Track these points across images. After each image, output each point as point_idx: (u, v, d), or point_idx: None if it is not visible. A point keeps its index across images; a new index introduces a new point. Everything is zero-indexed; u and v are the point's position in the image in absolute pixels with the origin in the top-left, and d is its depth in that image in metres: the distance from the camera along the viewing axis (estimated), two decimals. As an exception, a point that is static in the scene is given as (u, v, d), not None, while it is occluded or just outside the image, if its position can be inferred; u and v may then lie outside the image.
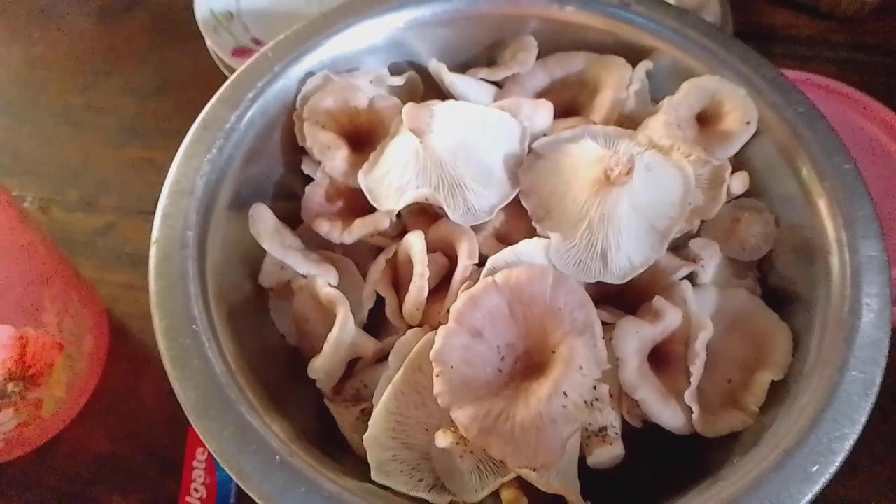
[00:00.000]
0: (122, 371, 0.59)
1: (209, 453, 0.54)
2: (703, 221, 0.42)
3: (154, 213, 0.65)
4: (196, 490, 0.53)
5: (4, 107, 0.72)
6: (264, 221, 0.38)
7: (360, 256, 0.42)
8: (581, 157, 0.37)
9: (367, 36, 0.46)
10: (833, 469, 0.32)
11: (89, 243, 0.65)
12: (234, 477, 0.31)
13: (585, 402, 0.33)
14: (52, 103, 0.72)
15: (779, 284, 0.42)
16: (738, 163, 0.43)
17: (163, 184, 0.67)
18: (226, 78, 0.64)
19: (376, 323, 0.41)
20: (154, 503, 0.54)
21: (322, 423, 0.38)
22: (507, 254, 0.36)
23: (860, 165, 0.55)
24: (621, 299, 0.40)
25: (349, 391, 0.38)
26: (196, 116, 0.72)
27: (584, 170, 0.36)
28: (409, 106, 0.36)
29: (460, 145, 0.38)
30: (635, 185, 0.36)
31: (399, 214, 0.42)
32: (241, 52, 0.62)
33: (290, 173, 0.45)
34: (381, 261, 0.39)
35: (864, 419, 0.33)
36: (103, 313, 0.60)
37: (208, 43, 0.64)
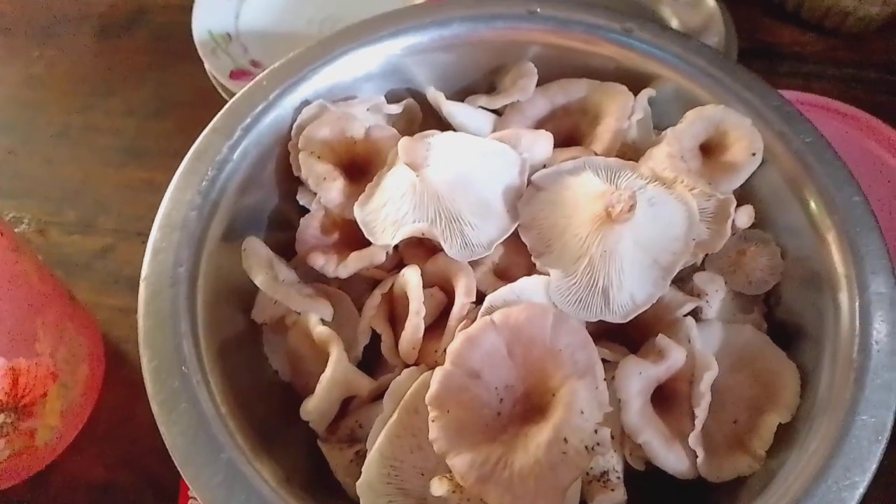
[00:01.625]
0: (118, 397, 0.58)
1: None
2: (705, 255, 0.40)
3: (153, 235, 0.65)
4: (192, 517, 0.52)
5: (3, 127, 0.71)
6: (257, 255, 0.38)
7: (356, 289, 0.41)
8: (582, 190, 0.36)
9: (365, 63, 0.45)
10: (843, 519, 0.31)
11: (87, 266, 0.64)
12: (222, 527, 0.30)
13: (587, 447, 0.32)
14: (51, 123, 0.72)
15: (786, 319, 0.40)
16: (744, 193, 0.42)
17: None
18: (224, 100, 0.63)
19: (372, 358, 0.40)
20: (150, 532, 0.53)
21: (314, 463, 0.37)
22: (505, 292, 0.35)
23: (864, 186, 0.55)
24: (623, 335, 0.39)
25: (344, 431, 0.37)
26: (195, 135, 0.72)
27: (585, 204, 0.35)
28: (405, 140, 0.35)
29: (458, 178, 0.37)
30: (638, 220, 0.35)
31: (396, 247, 0.41)
32: (238, 73, 0.61)
33: (285, 203, 0.44)
34: (377, 295, 0.38)
35: (875, 466, 0.32)
36: (99, 339, 0.59)
37: (206, 65, 0.63)
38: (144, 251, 0.64)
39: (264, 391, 0.39)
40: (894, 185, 0.55)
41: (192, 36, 0.70)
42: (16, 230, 0.64)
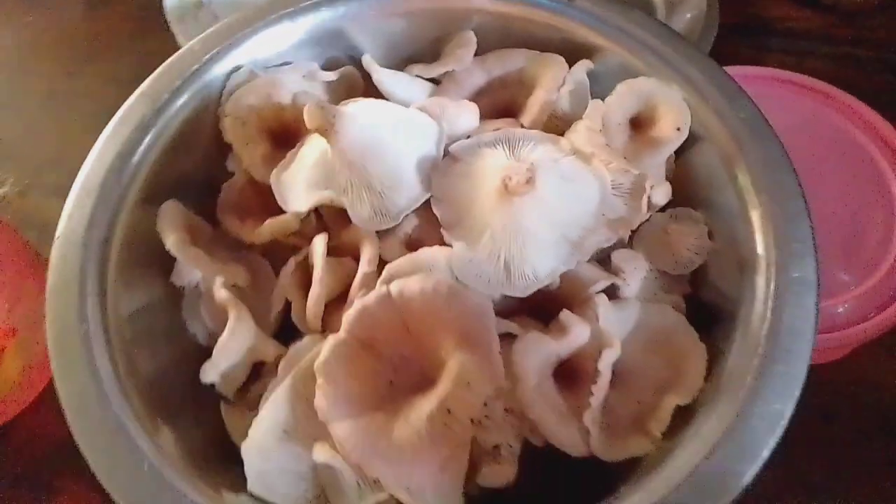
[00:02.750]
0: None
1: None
2: (633, 231, 0.39)
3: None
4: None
5: (-8, 91, 0.73)
6: (172, 218, 0.38)
7: (281, 257, 0.41)
8: (491, 162, 0.35)
9: (303, 28, 0.44)
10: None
11: (61, 230, 0.65)
12: (101, 481, 0.31)
13: (472, 420, 0.32)
14: (36, 89, 0.73)
15: (710, 300, 0.39)
16: (682, 171, 0.41)
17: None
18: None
19: (288, 329, 0.40)
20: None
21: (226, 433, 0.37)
22: (405, 262, 0.34)
23: (837, 166, 0.53)
24: (541, 311, 0.38)
25: (253, 396, 0.38)
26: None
27: (491, 177, 0.35)
28: (310, 105, 0.34)
29: (370, 146, 0.36)
30: (544, 194, 0.34)
31: (321, 215, 0.41)
32: (205, 41, 0.61)
33: (216, 169, 0.44)
34: (291, 263, 0.38)
35: (766, 455, 0.31)
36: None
37: (175, 33, 0.64)
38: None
39: (181, 356, 0.39)
40: (868, 166, 0.53)
41: (172, 6, 0.70)
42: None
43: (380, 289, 0.34)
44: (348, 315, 0.33)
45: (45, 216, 0.66)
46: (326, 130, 0.35)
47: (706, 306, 0.39)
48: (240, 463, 0.35)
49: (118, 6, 0.79)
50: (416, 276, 0.34)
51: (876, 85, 0.67)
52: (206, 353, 0.41)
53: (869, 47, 0.70)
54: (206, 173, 0.44)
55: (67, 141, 0.70)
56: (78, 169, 0.67)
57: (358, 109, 0.36)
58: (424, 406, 0.32)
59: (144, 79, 0.73)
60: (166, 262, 0.41)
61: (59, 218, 0.63)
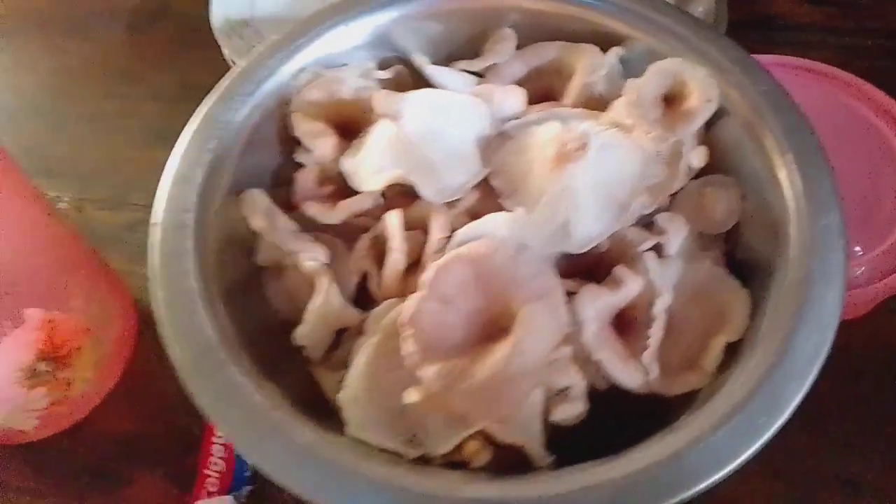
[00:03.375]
0: (149, 357, 0.63)
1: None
2: (673, 197, 0.44)
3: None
4: (214, 464, 0.57)
5: (38, 114, 0.78)
6: (256, 204, 0.42)
7: (350, 239, 0.45)
8: (543, 136, 0.40)
9: (356, 33, 0.49)
10: (778, 423, 0.33)
11: (118, 238, 0.69)
12: (221, 431, 0.35)
13: (545, 362, 0.36)
14: (83, 109, 0.78)
15: (745, 257, 0.43)
16: (708, 143, 0.45)
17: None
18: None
19: (364, 301, 0.44)
20: (176, 476, 0.58)
21: (316, 393, 0.41)
22: (472, 227, 0.39)
23: (848, 145, 0.57)
24: (593, 274, 0.42)
25: (336, 361, 0.41)
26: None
27: (544, 148, 0.39)
28: (380, 93, 0.39)
29: (431, 129, 0.41)
30: (593, 160, 0.38)
31: (385, 197, 0.45)
32: (252, 55, 0.66)
33: (286, 163, 0.48)
34: (366, 238, 0.42)
35: (811, 379, 0.34)
36: (130, 302, 0.64)
37: (224, 50, 0.68)
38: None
39: (268, 328, 0.43)
40: (878, 143, 0.57)
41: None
42: (57, 207, 0.70)
43: (452, 251, 0.38)
44: (426, 275, 0.37)
45: (99, 228, 0.70)
46: (393, 116, 0.39)
47: (741, 265, 0.43)
48: (335, 414, 0.39)
49: (157, 31, 0.83)
50: (484, 238, 0.38)
51: (881, 70, 0.71)
52: (284, 326, 0.45)
53: (871, 36, 0.74)
54: (277, 166, 0.48)
55: (114, 157, 0.75)
56: (128, 181, 0.72)
57: (419, 97, 0.41)
58: (502, 350, 0.35)
59: (185, 96, 0.77)
60: (251, 246, 0.45)
61: (117, 227, 0.68)
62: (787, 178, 0.41)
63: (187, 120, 0.75)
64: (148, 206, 0.69)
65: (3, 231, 0.47)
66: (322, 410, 0.39)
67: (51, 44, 0.83)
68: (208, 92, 0.77)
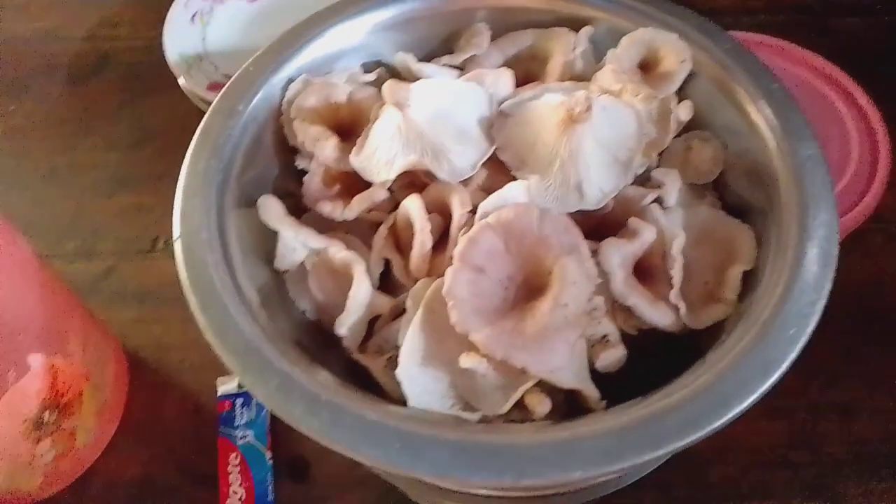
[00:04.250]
0: (144, 398, 0.62)
1: (241, 457, 0.57)
2: (660, 156, 0.47)
3: (151, 250, 0.69)
4: (235, 492, 0.56)
5: (-6, 179, 0.75)
6: (272, 208, 0.42)
7: (361, 235, 0.46)
8: (544, 108, 0.42)
9: (336, 42, 0.51)
10: (809, 330, 0.36)
11: (93, 288, 0.68)
12: (286, 420, 0.35)
13: (584, 311, 0.37)
14: (37, 168, 0.76)
15: (735, 200, 0.47)
16: (682, 101, 0.49)
17: (155, 224, 0.72)
18: (203, 115, 0.68)
19: (385, 289, 0.45)
20: (194, 514, 0.57)
21: (355, 381, 0.41)
22: (494, 198, 0.40)
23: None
24: (602, 234, 0.44)
25: (372, 348, 0.42)
26: (178, 159, 0.76)
27: (549, 117, 0.41)
28: (390, 83, 0.40)
29: (437, 114, 0.42)
30: (595, 123, 0.41)
31: (391, 191, 0.46)
32: (215, 86, 0.67)
33: (284, 173, 0.49)
34: (383, 229, 0.44)
35: (828, 286, 0.38)
36: (118, 344, 0.63)
37: (182, 83, 0.68)
38: (146, 266, 0.69)
39: (298, 328, 0.43)
40: (819, 101, 0.63)
41: (159, 70, 0.75)
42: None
43: (480, 222, 0.39)
44: (458, 248, 0.39)
45: (72, 280, 0.67)
46: (402, 104, 0.41)
47: (731, 209, 0.47)
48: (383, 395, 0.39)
49: (100, 82, 0.82)
50: (508, 206, 0.40)
51: (795, 41, 0.78)
52: (311, 325, 0.45)
53: (781, 13, 0.82)
54: (275, 178, 0.49)
55: (79, 208, 0.73)
56: (96, 231, 0.70)
57: (423, 85, 0.43)
58: (544, 305, 0.37)
59: (139, 141, 0.78)
60: (265, 254, 0.45)
61: (91, 277, 0.66)
62: (763, 122, 0.44)
63: (146, 164, 0.76)
64: (119, 253, 0.70)
65: (3, 280, 0.46)
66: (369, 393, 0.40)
67: (-5, 108, 0.80)
68: (162, 135, 0.77)
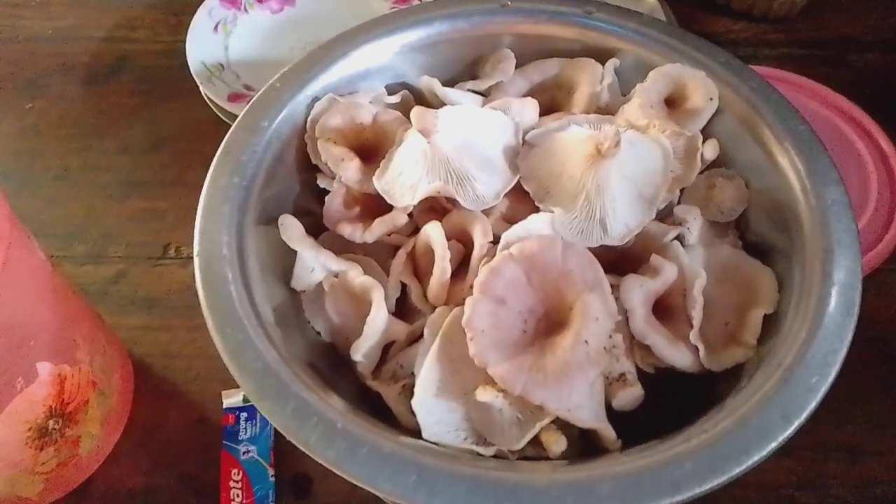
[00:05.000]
0: (149, 407, 0.61)
1: (243, 472, 0.56)
2: (682, 192, 0.47)
3: (162, 257, 0.69)
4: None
5: (6, 177, 0.75)
6: (294, 228, 0.42)
7: (379, 258, 0.46)
8: (571, 140, 0.42)
9: (362, 62, 0.50)
10: (830, 380, 0.36)
11: (103, 292, 0.67)
12: (300, 447, 0.34)
13: (604, 348, 0.37)
14: (50, 167, 0.75)
15: (756, 240, 0.46)
16: (707, 138, 0.48)
17: (166, 230, 0.71)
18: (222, 123, 0.68)
19: (401, 314, 0.44)
20: (195, 525, 0.56)
21: (366, 407, 0.41)
22: (518, 229, 0.40)
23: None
24: (621, 269, 0.44)
25: (386, 374, 0.42)
26: (191, 165, 0.76)
27: (575, 150, 0.41)
28: (417, 109, 0.40)
29: (462, 142, 0.42)
30: (622, 157, 0.40)
31: (411, 215, 0.46)
32: (235, 96, 0.66)
33: (304, 191, 0.49)
34: (402, 254, 0.43)
35: (850, 335, 0.37)
36: (125, 352, 0.62)
37: (204, 91, 0.68)
38: (156, 273, 0.69)
39: (312, 350, 0.43)
40: (840, 140, 0.63)
41: (176, 74, 0.75)
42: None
43: (502, 252, 0.39)
44: (479, 278, 0.39)
45: (81, 283, 0.67)
46: (429, 130, 0.41)
47: (751, 248, 0.46)
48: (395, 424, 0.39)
49: (116, 84, 0.82)
50: (531, 237, 0.39)
51: (812, 77, 0.78)
52: (327, 348, 0.45)
53: (801, 46, 0.82)
54: (296, 196, 0.48)
55: (90, 211, 0.73)
56: (107, 235, 0.70)
57: (451, 112, 0.43)
58: (565, 341, 0.37)
59: (154, 145, 0.77)
60: (283, 273, 0.45)
61: (100, 281, 0.66)
62: (788, 163, 0.44)
63: (159, 169, 0.75)
64: (129, 258, 0.69)
65: (17, 286, 0.46)
66: (380, 419, 0.39)
67: (10, 107, 0.80)
68: (177, 141, 0.77)
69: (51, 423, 0.51)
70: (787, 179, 0.44)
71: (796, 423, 0.35)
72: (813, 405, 0.35)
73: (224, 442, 0.58)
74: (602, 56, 0.51)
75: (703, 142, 0.45)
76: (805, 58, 0.82)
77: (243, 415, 0.59)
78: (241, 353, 0.37)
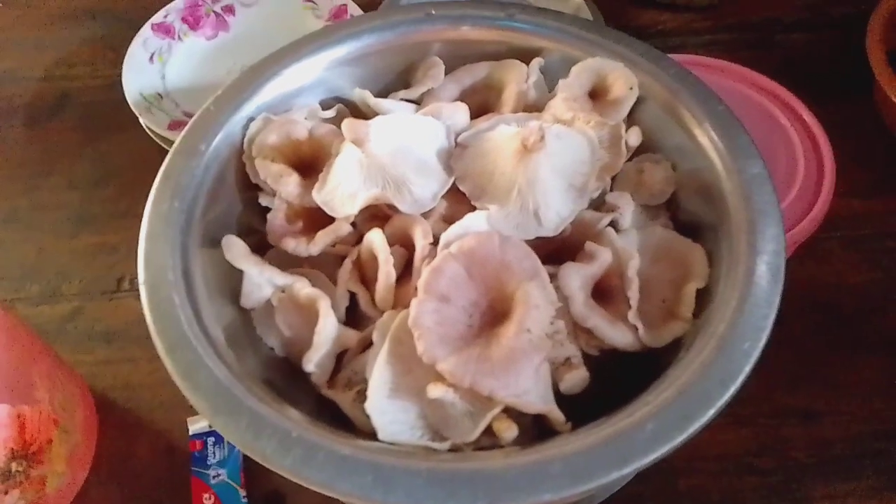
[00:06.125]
0: (115, 440, 0.61)
1: (215, 496, 0.57)
2: (613, 179, 0.48)
3: (117, 290, 0.69)
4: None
5: (-46, 223, 0.74)
6: (237, 247, 0.43)
7: (326, 270, 0.47)
8: (500, 138, 0.43)
9: (294, 80, 0.51)
10: (762, 343, 0.38)
11: (59, 330, 0.67)
12: (257, 460, 0.35)
13: (546, 334, 0.39)
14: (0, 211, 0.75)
15: (687, 219, 0.48)
16: (631, 126, 0.50)
17: (120, 264, 0.71)
18: (165, 153, 0.69)
19: (352, 323, 0.45)
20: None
21: (325, 417, 0.42)
22: (455, 228, 0.41)
23: (744, 122, 0.64)
24: (561, 258, 0.45)
25: (341, 382, 0.42)
26: (140, 196, 0.76)
27: (505, 147, 0.43)
28: (348, 121, 0.41)
29: (397, 149, 0.43)
30: (550, 151, 0.42)
31: (354, 224, 0.47)
32: (176, 124, 0.67)
33: (247, 210, 0.49)
34: (348, 263, 0.44)
35: (778, 300, 0.39)
36: (86, 387, 0.62)
37: (143, 122, 0.68)
38: (112, 307, 0.69)
39: (267, 366, 0.44)
40: (767, 119, 0.65)
41: (118, 108, 0.75)
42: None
43: (442, 252, 0.40)
44: (422, 279, 0.40)
45: (37, 323, 0.67)
46: (362, 140, 0.42)
47: (684, 227, 0.48)
48: (352, 429, 0.40)
49: (59, 122, 0.82)
50: (470, 235, 0.41)
51: (740, 60, 0.81)
52: (279, 361, 0.46)
53: (727, 31, 0.85)
54: (239, 215, 0.49)
55: (41, 250, 0.72)
56: (60, 272, 0.70)
57: (382, 121, 0.44)
58: (509, 330, 0.38)
59: (101, 180, 0.77)
60: (230, 292, 0.45)
61: (56, 320, 0.66)
62: (710, 143, 0.46)
63: (108, 203, 0.75)
64: (84, 293, 0.69)
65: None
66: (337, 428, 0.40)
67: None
68: (124, 173, 0.77)
69: (13, 465, 0.51)
70: (709, 159, 0.46)
71: (733, 388, 0.36)
72: (747, 369, 0.37)
73: (193, 468, 0.58)
74: (527, 56, 0.53)
75: (627, 129, 0.47)
76: (731, 42, 0.85)
77: (210, 439, 0.59)
78: (193, 373, 0.38)
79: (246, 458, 0.59)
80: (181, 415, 0.61)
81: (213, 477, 0.57)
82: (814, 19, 0.87)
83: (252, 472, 0.58)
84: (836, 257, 0.70)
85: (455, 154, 0.45)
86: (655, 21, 0.87)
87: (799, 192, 0.61)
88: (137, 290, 0.68)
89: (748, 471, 0.59)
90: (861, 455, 0.59)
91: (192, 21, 0.77)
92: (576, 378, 0.40)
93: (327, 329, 0.40)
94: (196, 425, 0.60)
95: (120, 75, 0.74)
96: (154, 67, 0.73)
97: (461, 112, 0.47)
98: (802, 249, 0.61)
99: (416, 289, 0.40)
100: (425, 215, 0.44)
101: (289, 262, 0.46)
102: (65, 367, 0.59)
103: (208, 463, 0.58)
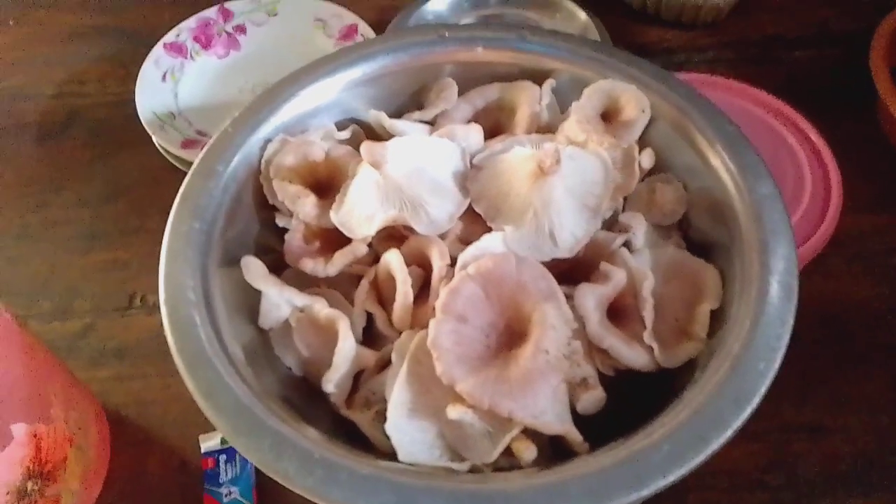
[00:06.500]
0: (128, 457, 0.61)
1: (228, 515, 0.57)
2: (626, 200, 0.49)
3: (128, 307, 0.69)
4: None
5: (-40, 238, 0.75)
6: (256, 268, 0.43)
7: (343, 289, 0.48)
8: (515, 160, 0.44)
9: (310, 101, 0.52)
10: (777, 364, 0.38)
11: (71, 347, 0.67)
12: (279, 480, 0.35)
13: (563, 355, 0.39)
14: (10, 227, 0.75)
15: (699, 238, 0.49)
16: (643, 146, 0.51)
17: (131, 280, 0.72)
18: (177, 169, 0.69)
19: (369, 343, 0.46)
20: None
21: (342, 436, 0.42)
22: (472, 249, 0.42)
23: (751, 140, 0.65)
24: (575, 279, 0.46)
25: (359, 402, 0.43)
26: (150, 212, 0.77)
27: (520, 169, 0.43)
28: (366, 144, 0.42)
29: (413, 170, 0.44)
30: (564, 173, 0.43)
31: (370, 245, 0.47)
32: (188, 143, 0.68)
33: (265, 230, 0.50)
34: (365, 283, 0.45)
35: (791, 320, 0.40)
36: (98, 405, 0.62)
37: (156, 140, 0.69)
38: (124, 323, 0.69)
39: (285, 385, 0.44)
40: (774, 137, 0.66)
41: (129, 124, 0.76)
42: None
43: (460, 273, 0.41)
44: (439, 300, 0.40)
45: (49, 340, 0.67)
46: (380, 162, 0.43)
47: (696, 247, 0.49)
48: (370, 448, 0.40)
49: (69, 139, 0.83)
50: (486, 256, 0.41)
51: (743, 77, 0.82)
52: (298, 381, 0.46)
53: (730, 50, 0.86)
54: (256, 235, 0.50)
55: (53, 266, 0.73)
56: (72, 289, 0.70)
57: (399, 143, 0.45)
58: (526, 351, 0.39)
59: (112, 196, 0.78)
60: (249, 312, 0.46)
61: (68, 336, 0.66)
62: (721, 163, 0.47)
63: (119, 219, 0.76)
64: (95, 310, 0.70)
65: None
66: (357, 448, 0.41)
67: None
68: (135, 189, 0.78)
69: (29, 484, 0.51)
70: (720, 179, 0.47)
71: (749, 409, 0.37)
72: (763, 389, 0.37)
73: (206, 486, 0.58)
74: (539, 77, 0.54)
75: (640, 151, 0.48)
76: (735, 60, 0.86)
77: (222, 457, 0.59)
78: (214, 393, 0.38)
79: (258, 475, 0.59)
80: (193, 431, 0.61)
81: (226, 495, 0.58)
82: (817, 36, 0.88)
83: (264, 489, 0.59)
84: (841, 272, 0.70)
85: (470, 175, 0.46)
86: (661, 38, 0.88)
87: (806, 209, 0.62)
88: (149, 306, 0.70)
89: (758, 486, 0.59)
90: (869, 470, 0.59)
91: (204, 40, 0.77)
92: (592, 398, 0.40)
93: (346, 350, 0.41)
94: (208, 443, 0.60)
95: (130, 93, 0.75)
96: (167, 86, 0.74)
97: (475, 133, 0.48)
98: (810, 265, 0.62)
99: (433, 309, 0.41)
100: (442, 236, 0.45)
101: (306, 283, 0.47)
102: (79, 385, 0.60)
103: (220, 481, 0.58)
